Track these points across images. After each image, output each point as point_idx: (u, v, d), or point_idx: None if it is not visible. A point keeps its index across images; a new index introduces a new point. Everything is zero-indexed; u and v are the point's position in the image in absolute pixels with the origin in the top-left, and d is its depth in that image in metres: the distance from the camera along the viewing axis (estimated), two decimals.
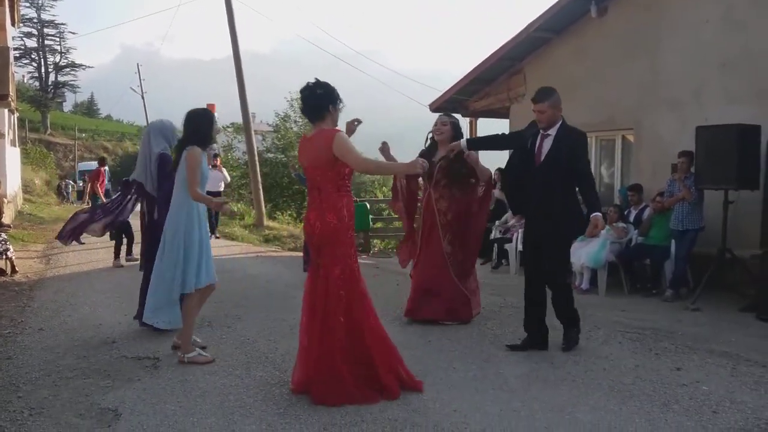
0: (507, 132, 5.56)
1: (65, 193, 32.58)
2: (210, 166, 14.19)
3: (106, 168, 15.14)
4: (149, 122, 6.43)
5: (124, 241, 10.29)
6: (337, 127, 4.23)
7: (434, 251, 6.07)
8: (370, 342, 4.13)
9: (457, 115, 13.40)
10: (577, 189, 5.15)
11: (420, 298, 6.07)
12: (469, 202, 6.13)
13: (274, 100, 29.07)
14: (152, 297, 5.18)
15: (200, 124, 5.00)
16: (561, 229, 5.06)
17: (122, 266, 9.87)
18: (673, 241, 7.62)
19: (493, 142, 5.86)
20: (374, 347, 4.12)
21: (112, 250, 10.23)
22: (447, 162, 5.94)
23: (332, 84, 4.22)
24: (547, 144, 5.00)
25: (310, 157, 4.17)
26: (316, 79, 4.24)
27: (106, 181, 14.93)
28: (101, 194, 13.78)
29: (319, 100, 4.17)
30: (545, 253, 5.07)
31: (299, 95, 4.31)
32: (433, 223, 6.08)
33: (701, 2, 8.17)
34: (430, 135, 6.24)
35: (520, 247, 9.49)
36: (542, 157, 5.02)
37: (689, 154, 7.40)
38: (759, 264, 6.65)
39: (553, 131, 4.98)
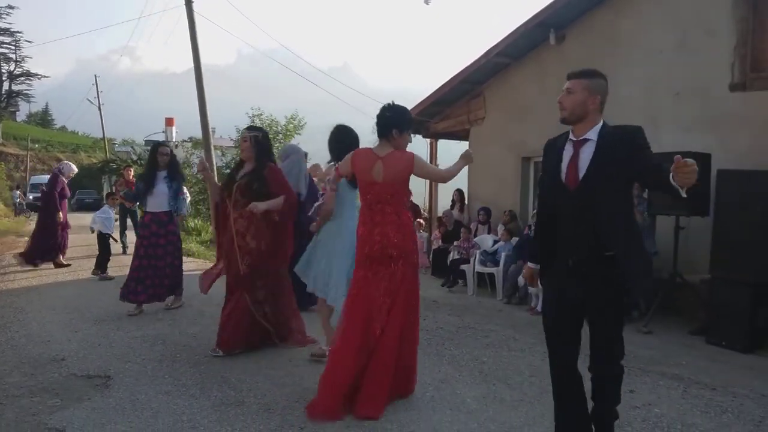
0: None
1: (17, 205, 31.51)
2: None
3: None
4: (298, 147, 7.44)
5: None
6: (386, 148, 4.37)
7: (233, 276, 5.57)
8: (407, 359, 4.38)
9: (418, 137, 13.62)
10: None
11: (224, 328, 5.58)
12: (271, 224, 5.54)
13: (235, 115, 28.85)
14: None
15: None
16: (615, 285, 3.19)
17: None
18: None
19: (547, 245, 3.46)
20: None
21: (72, 263, 9.94)
22: (246, 180, 5.52)
23: (405, 112, 4.44)
24: (587, 153, 3.24)
25: (385, 174, 4.29)
26: (392, 101, 4.47)
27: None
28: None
29: (385, 120, 4.36)
30: (595, 324, 3.33)
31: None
32: (231, 245, 5.54)
33: (656, 32, 8.43)
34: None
35: (478, 267, 9.59)
36: (580, 175, 3.23)
37: None
38: (708, 289, 6.82)
39: (593, 134, 3.26)
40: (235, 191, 5.53)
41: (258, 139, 5.61)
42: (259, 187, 5.47)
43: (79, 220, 26.12)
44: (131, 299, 7.19)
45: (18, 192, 33.83)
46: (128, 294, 7.19)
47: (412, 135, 4.64)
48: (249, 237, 5.48)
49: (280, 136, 24.10)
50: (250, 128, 5.90)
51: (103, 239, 10.35)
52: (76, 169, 11.86)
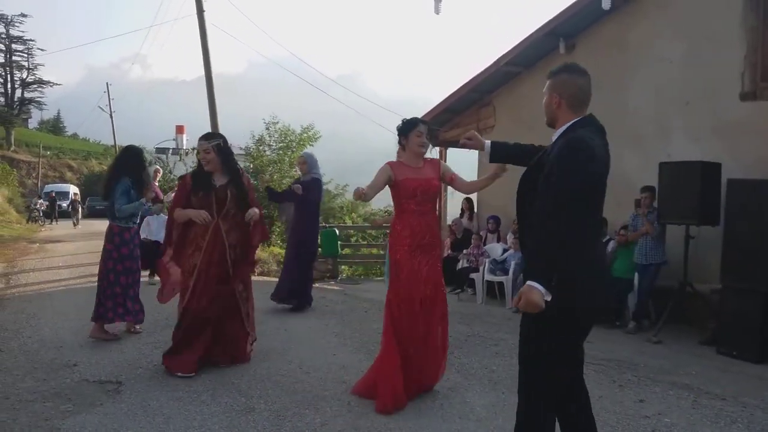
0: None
1: (37, 212, 31.37)
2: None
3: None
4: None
5: None
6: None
7: (224, 292, 5.23)
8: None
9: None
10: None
11: (197, 340, 5.16)
12: (252, 232, 5.47)
13: (245, 122, 28.86)
14: None
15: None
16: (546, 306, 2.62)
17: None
18: (636, 274, 7.77)
19: (523, 153, 3.58)
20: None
21: (83, 270, 9.98)
22: (236, 189, 5.28)
23: (400, 125, 4.73)
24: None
25: None
26: (403, 119, 4.79)
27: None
28: None
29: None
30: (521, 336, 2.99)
31: None
32: (223, 259, 5.21)
33: (666, 41, 8.44)
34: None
35: (487, 276, 9.59)
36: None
37: (652, 189, 7.58)
38: (718, 298, 6.80)
39: (556, 135, 3.01)
40: (228, 202, 5.24)
41: (221, 147, 5.33)
42: (244, 195, 5.34)
43: (90, 226, 26.33)
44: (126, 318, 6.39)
45: (40, 201, 33.58)
46: (124, 315, 6.34)
47: (420, 137, 4.60)
48: (239, 248, 5.34)
49: (294, 144, 23.92)
50: (208, 136, 5.44)
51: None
52: (158, 170, 10.98)
